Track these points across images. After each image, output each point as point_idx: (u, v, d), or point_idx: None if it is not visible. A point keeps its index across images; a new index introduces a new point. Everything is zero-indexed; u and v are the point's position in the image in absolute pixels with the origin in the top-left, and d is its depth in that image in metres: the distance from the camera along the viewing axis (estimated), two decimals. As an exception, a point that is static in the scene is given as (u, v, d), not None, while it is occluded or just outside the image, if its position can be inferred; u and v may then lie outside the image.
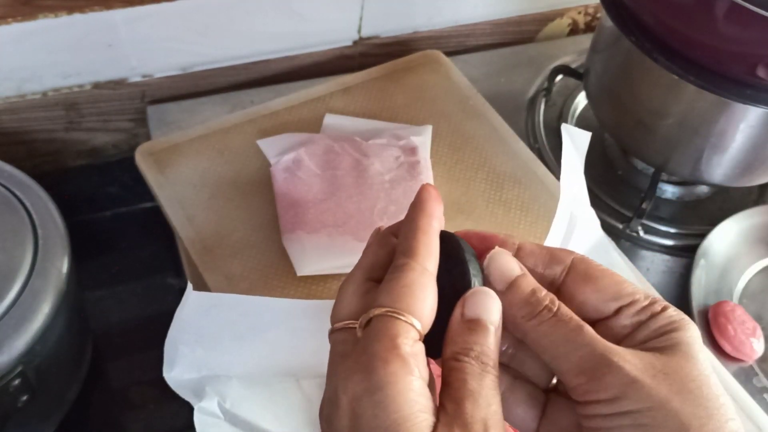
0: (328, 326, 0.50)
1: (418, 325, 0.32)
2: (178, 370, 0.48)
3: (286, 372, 0.51)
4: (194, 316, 0.46)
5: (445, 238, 0.36)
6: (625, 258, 0.61)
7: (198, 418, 0.48)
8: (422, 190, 0.37)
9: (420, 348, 0.32)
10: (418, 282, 0.33)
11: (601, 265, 0.40)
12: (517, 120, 0.78)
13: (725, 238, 0.70)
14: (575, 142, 0.55)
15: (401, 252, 0.35)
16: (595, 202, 0.72)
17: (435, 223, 0.36)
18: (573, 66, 0.81)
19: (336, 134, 0.67)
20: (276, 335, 0.48)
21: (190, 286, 0.45)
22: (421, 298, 0.33)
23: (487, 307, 0.34)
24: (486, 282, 0.36)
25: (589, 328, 0.34)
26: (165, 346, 0.47)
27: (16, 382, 0.55)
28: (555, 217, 0.53)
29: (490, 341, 0.33)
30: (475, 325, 0.33)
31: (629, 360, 0.33)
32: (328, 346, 0.51)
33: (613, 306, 0.36)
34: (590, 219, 0.59)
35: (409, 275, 0.34)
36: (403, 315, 0.32)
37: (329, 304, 0.49)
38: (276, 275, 0.59)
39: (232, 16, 0.73)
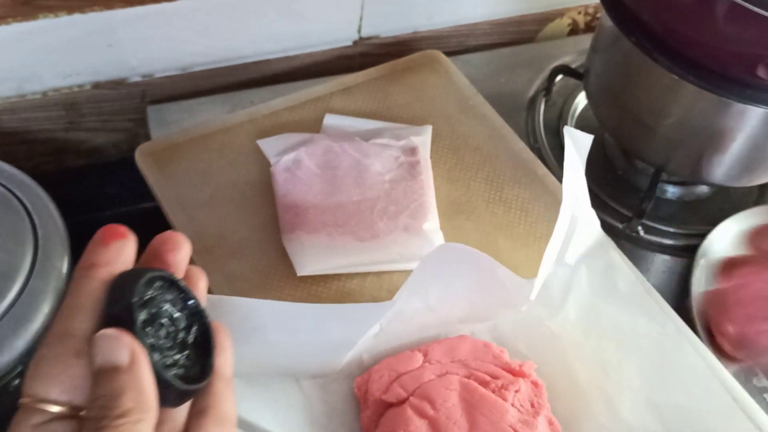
0: (328, 328, 0.50)
1: (45, 405, 0.30)
2: None
3: (287, 373, 0.51)
4: None
5: (124, 279, 0.32)
6: (625, 258, 0.61)
7: None
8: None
9: (52, 428, 0.29)
10: (46, 355, 0.30)
11: None
12: (517, 120, 0.78)
13: (725, 238, 0.70)
14: (577, 144, 0.55)
15: None
16: (595, 202, 0.72)
17: (90, 272, 0.32)
18: (573, 66, 0.81)
19: (336, 134, 0.67)
20: (276, 337, 0.49)
21: None
22: (45, 372, 0.30)
23: (106, 350, 0.30)
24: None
25: None
26: None
27: (16, 382, 0.55)
28: (558, 219, 0.54)
29: (116, 385, 0.30)
30: (96, 376, 0.30)
31: None
32: (327, 348, 0.51)
33: None
34: (590, 219, 0.59)
35: (40, 351, 0.31)
36: (26, 399, 0.30)
37: (329, 307, 0.49)
38: (276, 275, 0.59)
39: (232, 16, 0.73)
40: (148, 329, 0.32)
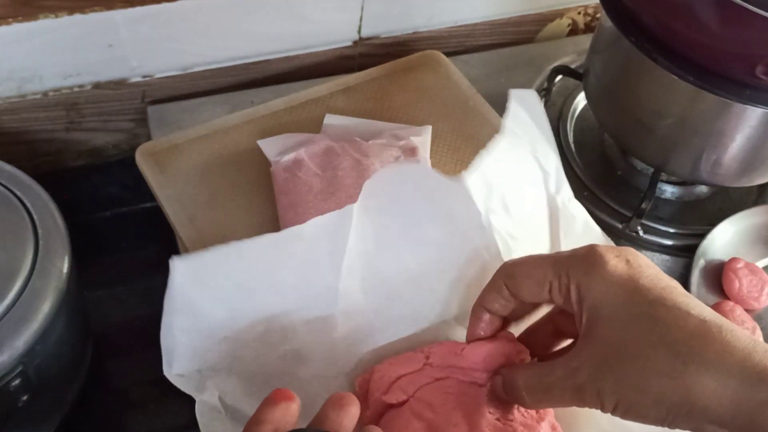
0: (303, 256, 0.50)
1: None
2: (178, 366, 0.48)
3: (280, 334, 0.51)
4: (184, 289, 0.46)
5: None
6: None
7: (200, 412, 0.48)
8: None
9: None
10: None
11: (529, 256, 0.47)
12: (517, 120, 0.78)
13: (724, 238, 0.70)
14: (526, 105, 0.55)
15: None
16: (595, 202, 0.73)
17: (258, 428, 0.37)
18: (573, 66, 0.81)
19: (336, 134, 0.67)
20: (262, 294, 0.49)
21: (173, 258, 0.45)
22: None
23: None
24: None
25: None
26: (161, 336, 0.47)
27: (16, 381, 0.55)
28: (495, 141, 0.54)
29: None
30: None
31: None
32: (311, 299, 0.51)
33: (545, 293, 0.45)
34: (586, 221, 0.59)
35: None
36: None
37: (298, 230, 0.50)
38: (276, 275, 0.59)
39: (233, 17, 0.73)
40: None
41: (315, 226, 0.50)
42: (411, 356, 0.53)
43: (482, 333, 0.49)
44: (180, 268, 0.46)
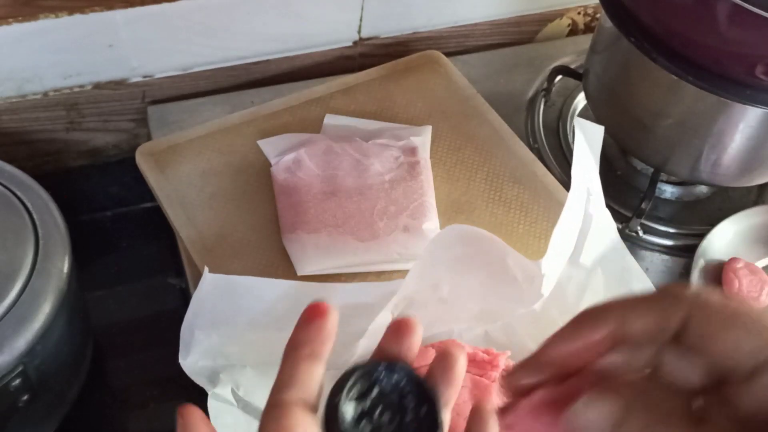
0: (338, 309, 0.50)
1: None
2: (194, 357, 0.48)
3: None
4: (210, 299, 0.47)
5: (345, 376, 0.35)
6: (634, 260, 0.61)
7: (211, 404, 0.48)
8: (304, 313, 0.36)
9: None
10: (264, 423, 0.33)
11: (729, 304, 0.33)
12: (517, 120, 0.78)
13: (724, 238, 0.70)
14: (588, 137, 0.55)
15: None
16: (595, 202, 0.72)
17: (300, 351, 0.35)
18: (572, 66, 0.81)
19: (336, 134, 0.67)
20: (289, 322, 0.49)
21: (206, 269, 0.46)
22: None
23: None
24: None
25: None
26: (181, 330, 0.48)
27: (17, 381, 0.55)
28: (564, 210, 0.53)
29: None
30: None
31: None
32: (339, 333, 0.51)
33: (751, 363, 0.30)
34: (606, 222, 0.59)
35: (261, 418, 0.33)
36: None
37: (339, 287, 0.50)
38: (276, 275, 0.59)
39: (233, 17, 0.73)
40: (363, 422, 0.34)
41: (359, 288, 0.51)
42: (423, 350, 0.53)
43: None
44: (211, 280, 0.46)
